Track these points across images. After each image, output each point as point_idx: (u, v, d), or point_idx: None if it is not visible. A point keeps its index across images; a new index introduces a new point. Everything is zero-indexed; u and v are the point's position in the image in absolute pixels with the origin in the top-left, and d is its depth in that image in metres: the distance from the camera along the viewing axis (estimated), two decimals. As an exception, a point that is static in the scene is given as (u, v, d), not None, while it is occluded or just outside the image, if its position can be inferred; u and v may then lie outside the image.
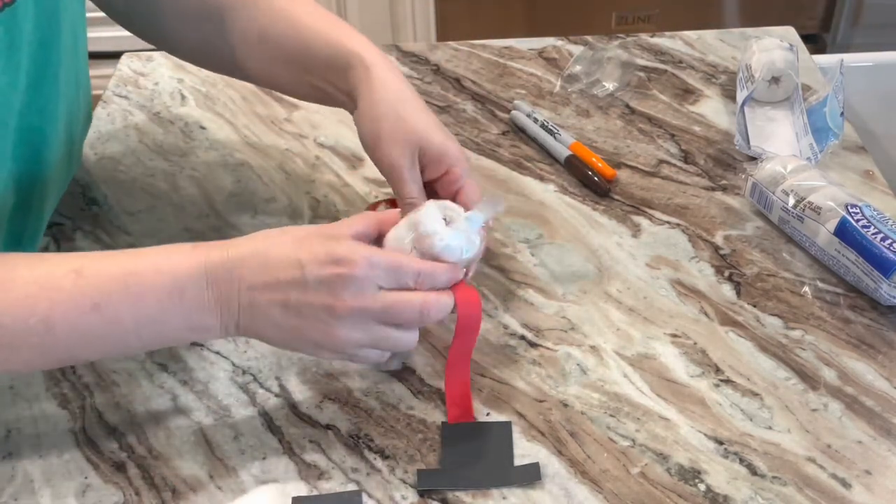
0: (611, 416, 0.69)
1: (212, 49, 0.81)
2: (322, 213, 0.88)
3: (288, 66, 0.77)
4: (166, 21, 0.80)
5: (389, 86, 0.71)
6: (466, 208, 0.68)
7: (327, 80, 0.75)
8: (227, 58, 0.80)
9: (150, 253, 0.63)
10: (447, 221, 0.66)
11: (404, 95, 0.72)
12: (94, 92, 0.91)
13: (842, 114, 0.91)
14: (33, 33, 0.69)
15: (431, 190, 0.73)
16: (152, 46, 0.87)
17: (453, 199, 0.71)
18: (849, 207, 0.78)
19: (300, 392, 0.72)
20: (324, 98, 0.78)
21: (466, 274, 0.68)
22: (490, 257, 0.82)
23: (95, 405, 0.71)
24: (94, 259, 0.63)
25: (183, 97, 1.03)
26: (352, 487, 0.65)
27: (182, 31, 0.81)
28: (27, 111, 0.70)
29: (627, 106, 1.00)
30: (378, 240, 0.67)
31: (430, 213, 0.66)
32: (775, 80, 0.96)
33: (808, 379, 0.72)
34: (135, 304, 0.61)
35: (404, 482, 0.65)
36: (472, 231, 0.67)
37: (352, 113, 0.75)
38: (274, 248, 0.63)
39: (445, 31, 2.03)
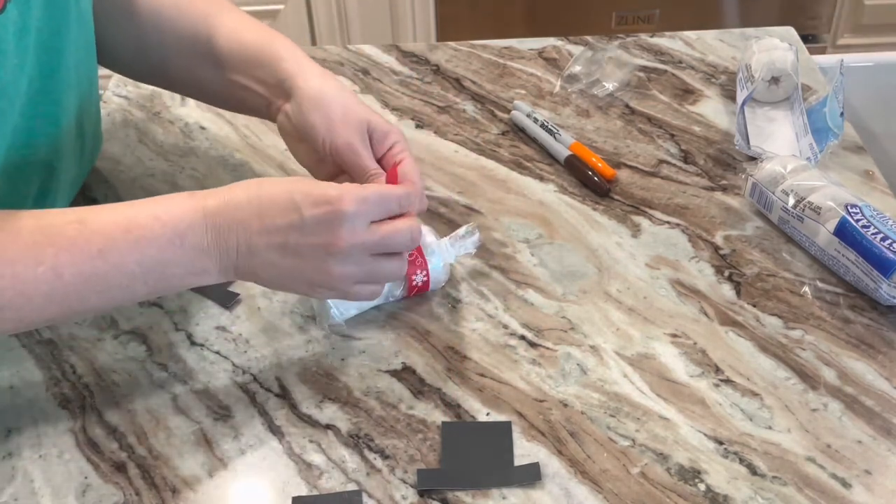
0: (611, 416, 0.69)
1: (142, 56, 0.85)
2: (322, 213, 0.88)
3: (212, 68, 0.81)
4: (99, 27, 0.82)
5: (325, 76, 0.77)
6: (402, 178, 0.74)
7: (253, 77, 0.79)
8: (154, 63, 0.85)
9: (149, 203, 0.66)
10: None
11: (340, 84, 0.78)
12: (95, 92, 0.91)
13: (842, 114, 0.91)
14: (43, 20, 0.70)
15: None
16: None
17: (393, 171, 0.75)
18: (849, 207, 0.78)
19: (300, 392, 0.72)
20: (245, 99, 0.81)
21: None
22: (490, 257, 0.82)
23: (95, 405, 0.71)
24: (96, 210, 0.65)
25: (183, 97, 1.02)
26: (352, 487, 0.65)
27: (114, 36, 0.84)
28: (41, 99, 0.72)
29: (627, 106, 1.00)
30: None
31: (427, 231, 0.77)
32: (775, 80, 0.96)
33: (808, 379, 0.72)
34: (137, 250, 0.64)
35: (404, 482, 0.65)
36: (449, 258, 0.77)
37: (271, 110, 0.79)
38: (269, 192, 0.66)
39: (445, 31, 2.03)
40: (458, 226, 0.85)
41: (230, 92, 0.82)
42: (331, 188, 0.66)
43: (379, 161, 0.77)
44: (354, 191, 0.66)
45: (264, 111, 0.81)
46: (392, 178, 0.73)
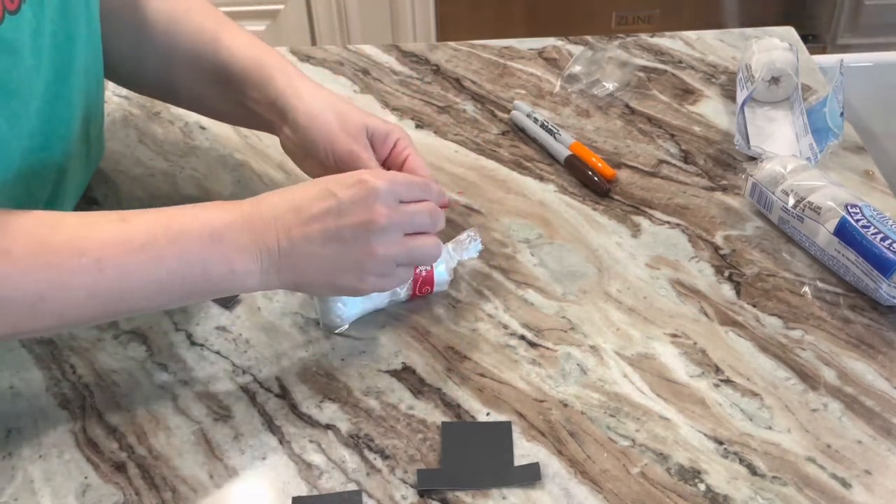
0: (611, 416, 0.69)
1: (143, 70, 0.85)
2: (322, 213, 0.88)
3: (211, 85, 0.81)
4: (105, 44, 0.82)
5: (317, 90, 0.78)
6: (410, 174, 0.76)
7: (248, 95, 0.79)
8: (154, 78, 0.85)
9: (186, 206, 0.67)
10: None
11: (333, 95, 0.78)
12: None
13: (842, 114, 0.91)
14: (58, 23, 0.71)
15: (384, 168, 0.79)
16: None
17: (400, 169, 0.78)
18: (848, 207, 0.78)
19: (300, 392, 0.72)
20: (245, 116, 0.82)
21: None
22: (490, 257, 0.82)
23: (95, 405, 0.71)
24: (136, 211, 0.66)
25: (183, 97, 1.02)
26: (352, 487, 0.65)
27: (115, 46, 0.84)
28: (56, 102, 0.72)
29: (627, 106, 1.00)
30: None
31: None
32: (775, 80, 0.96)
33: (808, 379, 0.72)
34: (178, 245, 0.64)
35: (404, 482, 0.65)
36: (452, 262, 0.78)
37: (274, 128, 0.80)
38: (301, 188, 0.68)
39: (445, 31, 2.03)
40: (458, 226, 0.85)
41: (231, 109, 0.82)
42: (361, 172, 0.69)
43: (385, 162, 0.78)
44: (383, 172, 0.70)
45: (269, 128, 0.82)
46: None
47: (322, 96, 0.77)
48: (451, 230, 0.85)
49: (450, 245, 0.78)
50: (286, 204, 0.67)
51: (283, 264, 0.66)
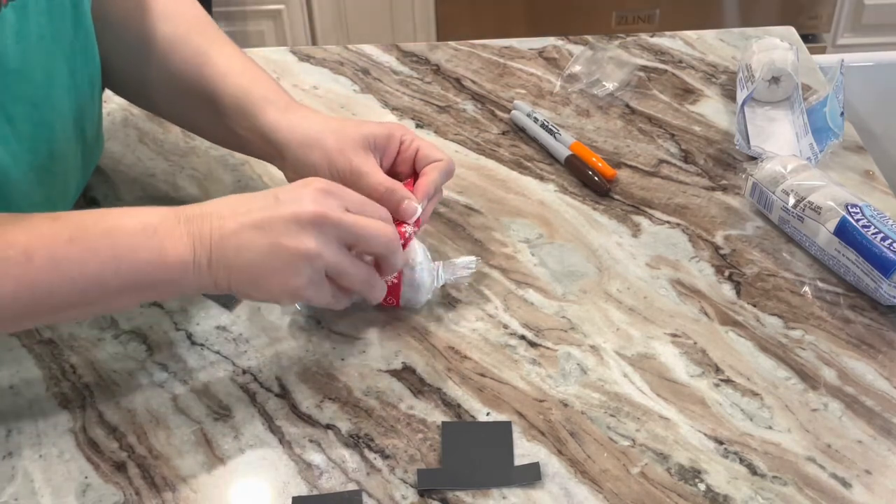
0: (611, 415, 0.69)
1: (144, 90, 0.85)
2: (322, 212, 0.88)
3: (207, 113, 0.81)
4: (108, 58, 0.82)
5: (311, 117, 0.77)
6: (426, 163, 0.77)
7: (241, 126, 0.79)
8: (155, 99, 0.85)
9: (123, 208, 0.68)
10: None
11: (327, 117, 0.78)
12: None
13: (842, 114, 0.91)
14: (45, 26, 0.70)
15: (395, 173, 0.78)
16: None
17: (414, 164, 0.77)
18: (849, 207, 0.78)
19: (300, 392, 0.72)
20: (243, 146, 0.82)
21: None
22: (490, 257, 0.82)
23: (95, 405, 0.71)
24: (71, 212, 0.66)
25: (183, 97, 1.02)
26: (352, 487, 0.65)
27: (121, 67, 0.84)
28: (44, 104, 0.72)
29: (627, 106, 1.00)
30: None
31: (419, 248, 0.74)
32: (775, 80, 0.96)
33: (808, 379, 0.72)
34: (109, 237, 0.64)
35: (404, 482, 0.66)
36: (439, 279, 0.76)
37: (275, 162, 0.79)
38: (250, 194, 0.69)
39: (445, 31, 2.03)
40: (459, 225, 0.85)
41: (229, 138, 0.82)
42: (309, 178, 0.69)
43: (396, 163, 0.77)
44: (338, 185, 0.69)
45: (270, 160, 0.81)
46: (410, 188, 0.75)
47: (316, 122, 0.77)
48: (450, 230, 0.85)
49: (441, 264, 0.76)
50: (228, 201, 0.67)
51: (216, 256, 0.65)
